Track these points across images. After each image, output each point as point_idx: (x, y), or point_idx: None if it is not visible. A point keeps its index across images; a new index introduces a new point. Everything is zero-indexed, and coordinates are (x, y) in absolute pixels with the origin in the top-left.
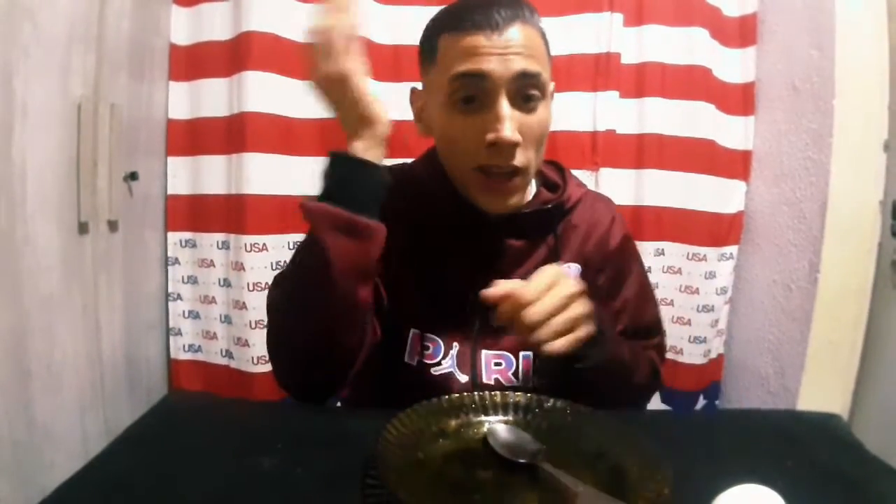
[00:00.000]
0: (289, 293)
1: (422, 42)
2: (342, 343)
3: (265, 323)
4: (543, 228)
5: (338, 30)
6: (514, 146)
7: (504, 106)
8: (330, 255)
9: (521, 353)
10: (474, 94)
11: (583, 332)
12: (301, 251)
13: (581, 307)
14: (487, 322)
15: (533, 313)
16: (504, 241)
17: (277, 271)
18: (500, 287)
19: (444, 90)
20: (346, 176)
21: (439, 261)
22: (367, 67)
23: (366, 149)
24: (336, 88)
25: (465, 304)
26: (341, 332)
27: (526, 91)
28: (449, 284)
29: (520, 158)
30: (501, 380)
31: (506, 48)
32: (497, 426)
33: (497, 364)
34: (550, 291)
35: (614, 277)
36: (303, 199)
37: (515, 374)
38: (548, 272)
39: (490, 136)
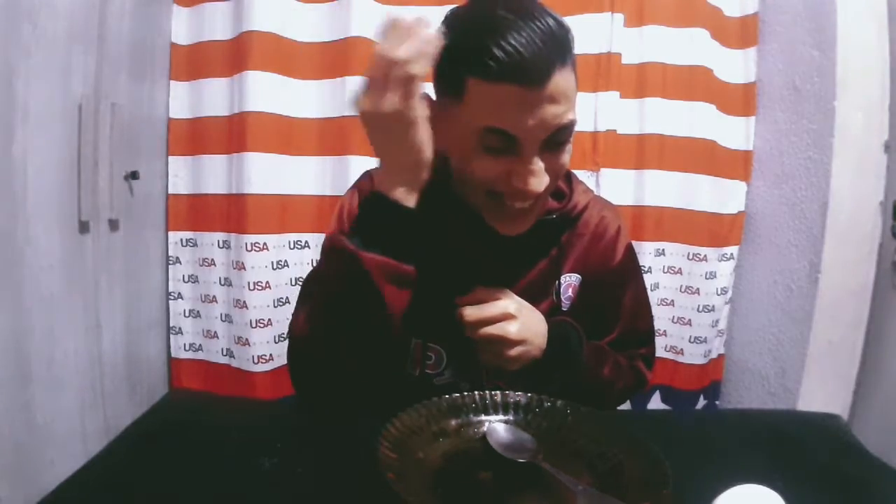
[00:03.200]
0: (336, 331)
1: (442, 69)
2: (380, 371)
3: (266, 322)
4: (548, 238)
5: (402, 63)
6: (539, 194)
7: (536, 162)
8: (390, 305)
9: None
10: (503, 146)
11: (513, 351)
12: (349, 296)
13: (510, 328)
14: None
15: (468, 314)
16: (507, 251)
17: (295, 287)
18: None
19: (470, 131)
20: (392, 225)
21: (441, 270)
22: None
23: (408, 194)
24: (391, 128)
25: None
26: (382, 362)
27: (556, 139)
28: (451, 294)
29: (539, 193)
30: (501, 388)
31: (542, 103)
32: (496, 425)
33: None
34: (492, 304)
35: (614, 289)
36: (337, 237)
37: None
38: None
39: (518, 185)
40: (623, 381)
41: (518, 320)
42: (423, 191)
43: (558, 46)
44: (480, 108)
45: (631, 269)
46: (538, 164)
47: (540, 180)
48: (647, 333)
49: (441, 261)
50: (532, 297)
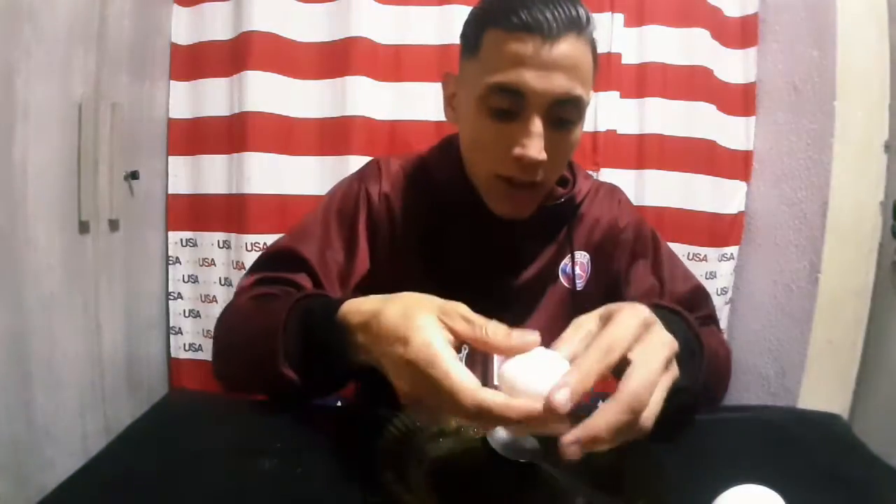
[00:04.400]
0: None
1: (466, 28)
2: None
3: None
4: (555, 224)
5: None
6: (538, 164)
7: (536, 124)
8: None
9: None
10: (508, 108)
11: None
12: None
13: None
14: (498, 321)
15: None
16: (515, 239)
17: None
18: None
19: (479, 91)
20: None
21: (448, 259)
22: None
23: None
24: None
25: (475, 303)
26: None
27: (563, 114)
28: (458, 283)
29: (542, 175)
30: None
31: (553, 63)
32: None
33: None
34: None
35: (631, 261)
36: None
37: None
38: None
39: (516, 152)
40: (726, 358)
41: (657, 390)
42: (434, 182)
43: (578, 18)
44: (492, 60)
45: (643, 239)
46: (537, 127)
47: (538, 145)
48: (695, 293)
49: (448, 250)
50: (543, 283)
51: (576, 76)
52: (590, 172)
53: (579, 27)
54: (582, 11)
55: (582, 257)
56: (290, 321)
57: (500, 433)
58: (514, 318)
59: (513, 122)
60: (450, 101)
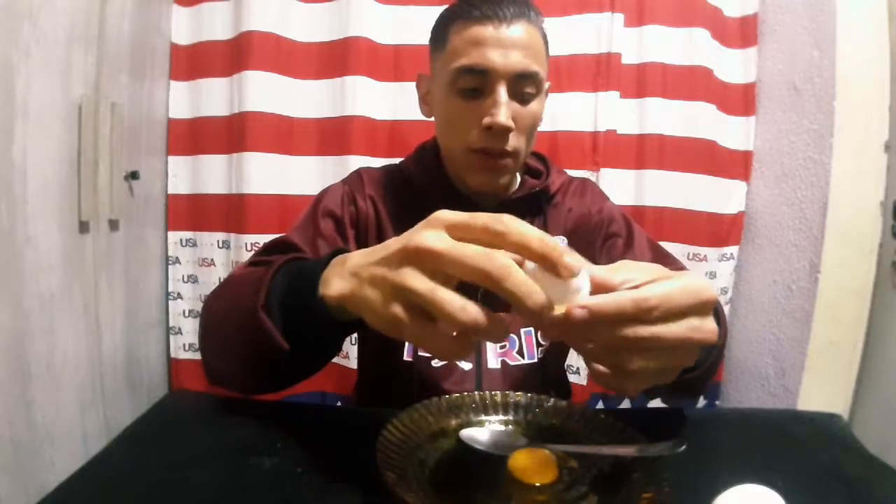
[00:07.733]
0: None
1: (434, 28)
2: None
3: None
4: (532, 213)
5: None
6: (507, 131)
7: (502, 94)
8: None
9: (523, 330)
10: (476, 87)
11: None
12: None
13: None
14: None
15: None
16: None
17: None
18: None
19: (448, 77)
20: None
21: None
22: None
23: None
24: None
25: (461, 293)
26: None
27: (523, 88)
28: None
29: (512, 143)
30: (508, 361)
31: (510, 42)
32: (469, 432)
33: (501, 346)
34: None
35: (604, 241)
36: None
37: (520, 352)
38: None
39: (486, 121)
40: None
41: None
42: (413, 184)
43: (527, 9)
44: (458, 49)
45: (616, 221)
46: (503, 97)
47: (505, 112)
48: (679, 267)
49: None
50: None
51: (531, 54)
52: (590, 172)
53: (528, 17)
54: (531, 7)
55: (558, 241)
56: (278, 273)
57: (480, 434)
58: (496, 308)
59: (480, 99)
60: (424, 99)
